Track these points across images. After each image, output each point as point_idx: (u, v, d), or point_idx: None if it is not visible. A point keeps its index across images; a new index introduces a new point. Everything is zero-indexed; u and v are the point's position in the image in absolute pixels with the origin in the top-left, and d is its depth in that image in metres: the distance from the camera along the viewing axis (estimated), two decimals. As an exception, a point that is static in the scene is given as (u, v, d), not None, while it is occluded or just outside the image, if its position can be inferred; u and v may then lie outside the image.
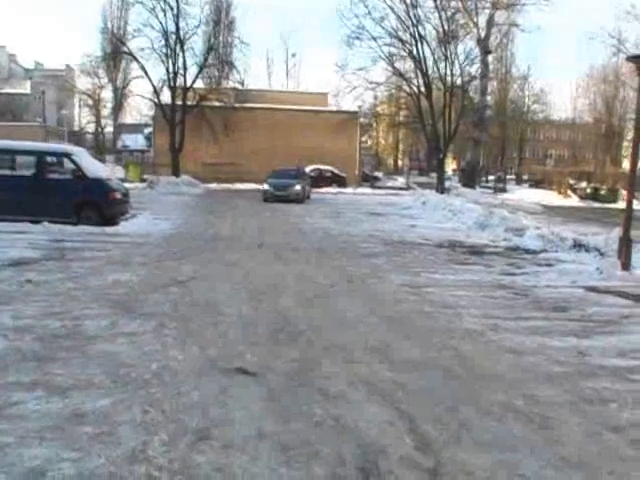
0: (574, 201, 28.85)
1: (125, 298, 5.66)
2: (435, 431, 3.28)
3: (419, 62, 27.99)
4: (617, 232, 11.73)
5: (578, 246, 10.35)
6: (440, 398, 3.72)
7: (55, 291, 5.82)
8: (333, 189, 27.61)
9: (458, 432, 3.29)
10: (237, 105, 28.33)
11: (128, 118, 48.14)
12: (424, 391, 3.81)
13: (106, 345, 4.32)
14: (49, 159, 11.51)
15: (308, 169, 27.97)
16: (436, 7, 27.69)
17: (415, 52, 28.02)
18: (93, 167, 11.78)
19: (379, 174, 42.55)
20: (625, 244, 10.44)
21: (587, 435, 3.35)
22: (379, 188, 32.30)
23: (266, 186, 20.45)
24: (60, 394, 3.48)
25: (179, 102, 27.68)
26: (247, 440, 3.07)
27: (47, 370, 3.81)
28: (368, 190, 29.78)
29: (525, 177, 41.73)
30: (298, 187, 20.25)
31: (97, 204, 11.05)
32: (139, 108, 41.80)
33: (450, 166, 44.29)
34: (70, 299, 5.54)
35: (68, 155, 11.42)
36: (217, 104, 28.02)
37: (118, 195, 11.56)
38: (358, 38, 27.90)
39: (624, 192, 31.17)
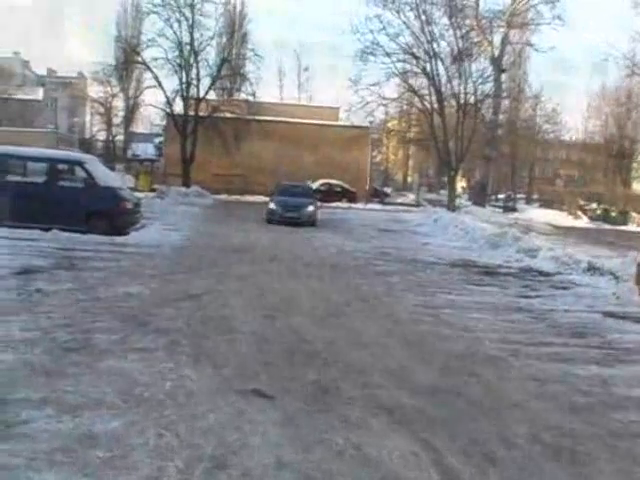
0: (584, 222, 28.65)
1: (136, 312, 5.54)
2: (460, 464, 3.13)
3: (433, 79, 27.96)
4: (633, 256, 11.63)
5: (593, 269, 10.20)
6: (464, 427, 3.57)
7: (65, 302, 5.70)
8: (343, 204, 27.41)
9: (484, 466, 3.14)
10: (249, 117, 28.24)
11: (139, 127, 48.23)
12: (447, 420, 3.67)
13: (117, 361, 4.19)
14: (61, 167, 11.44)
15: (318, 183, 27.86)
16: (451, 24, 27.71)
17: (429, 69, 28.02)
18: (105, 176, 11.72)
19: (388, 190, 42.47)
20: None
21: (620, 472, 3.21)
22: (389, 204, 32.17)
23: (272, 205, 17.36)
24: (70, 413, 3.34)
25: (191, 113, 27.68)
26: (266, 469, 2.93)
27: (57, 386, 3.69)
28: (378, 206, 29.61)
29: (535, 197, 41.59)
30: (311, 208, 17.31)
31: (108, 213, 10.95)
32: (151, 117, 41.84)
33: (459, 184, 44.24)
34: (80, 310, 5.43)
35: (80, 163, 11.35)
36: (229, 115, 27.95)
37: (129, 205, 11.47)
38: (372, 54, 27.91)
39: (635, 214, 31.10)
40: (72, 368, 4.01)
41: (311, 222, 17.04)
